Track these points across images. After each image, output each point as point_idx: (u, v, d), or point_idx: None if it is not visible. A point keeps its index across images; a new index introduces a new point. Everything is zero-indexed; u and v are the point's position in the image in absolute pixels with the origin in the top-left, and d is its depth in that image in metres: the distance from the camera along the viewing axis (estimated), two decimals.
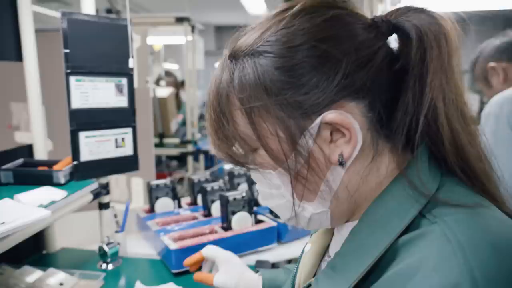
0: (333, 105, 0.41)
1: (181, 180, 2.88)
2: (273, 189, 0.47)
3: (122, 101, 1.04)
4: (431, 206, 0.39)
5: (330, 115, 0.40)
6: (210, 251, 0.80)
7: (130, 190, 2.08)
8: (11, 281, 0.89)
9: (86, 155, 0.99)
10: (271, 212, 1.26)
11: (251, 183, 1.36)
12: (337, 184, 0.44)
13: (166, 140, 2.96)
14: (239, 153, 0.46)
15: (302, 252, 0.60)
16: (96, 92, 0.99)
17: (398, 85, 0.43)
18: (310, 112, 0.41)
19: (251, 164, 0.47)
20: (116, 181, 2.10)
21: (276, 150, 0.43)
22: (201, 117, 3.22)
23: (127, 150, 1.07)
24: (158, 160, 3.04)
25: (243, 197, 1.16)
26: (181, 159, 3.08)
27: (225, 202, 1.14)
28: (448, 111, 0.41)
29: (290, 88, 0.41)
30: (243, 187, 1.40)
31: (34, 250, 1.07)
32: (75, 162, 0.96)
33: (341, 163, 0.42)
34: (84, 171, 0.98)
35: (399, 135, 0.42)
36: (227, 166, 1.46)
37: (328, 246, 0.54)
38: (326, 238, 0.55)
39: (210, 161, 3.08)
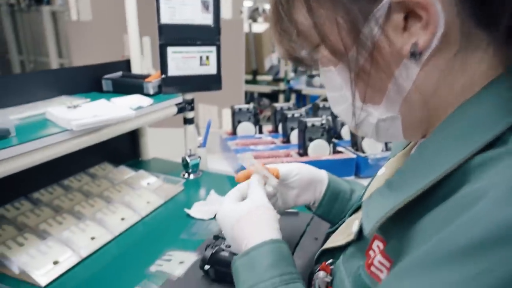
0: None
1: (270, 118, 2.92)
2: (336, 91, 0.42)
3: (207, 19, 1.05)
4: None
5: None
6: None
7: (221, 119, 2.19)
8: (110, 175, 1.03)
9: (173, 70, 1.04)
10: (353, 145, 1.19)
11: (335, 116, 1.30)
12: (408, 83, 0.36)
13: (259, 77, 2.99)
14: (298, 49, 0.41)
15: (375, 175, 0.56)
16: (183, 8, 1.01)
17: None
18: None
19: (311, 61, 0.42)
20: (209, 111, 2.22)
21: (335, 41, 0.37)
22: None
23: (211, 69, 1.10)
24: (251, 97, 3.11)
25: (322, 124, 1.11)
26: (273, 97, 3.11)
27: (303, 128, 1.11)
28: None
29: None
30: None
31: (131, 156, 1.21)
32: (163, 76, 1.03)
33: (414, 55, 0.34)
34: (170, 85, 1.04)
35: (501, 23, 0.32)
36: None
37: None
38: (402, 161, 0.49)
39: (302, 100, 3.04)
